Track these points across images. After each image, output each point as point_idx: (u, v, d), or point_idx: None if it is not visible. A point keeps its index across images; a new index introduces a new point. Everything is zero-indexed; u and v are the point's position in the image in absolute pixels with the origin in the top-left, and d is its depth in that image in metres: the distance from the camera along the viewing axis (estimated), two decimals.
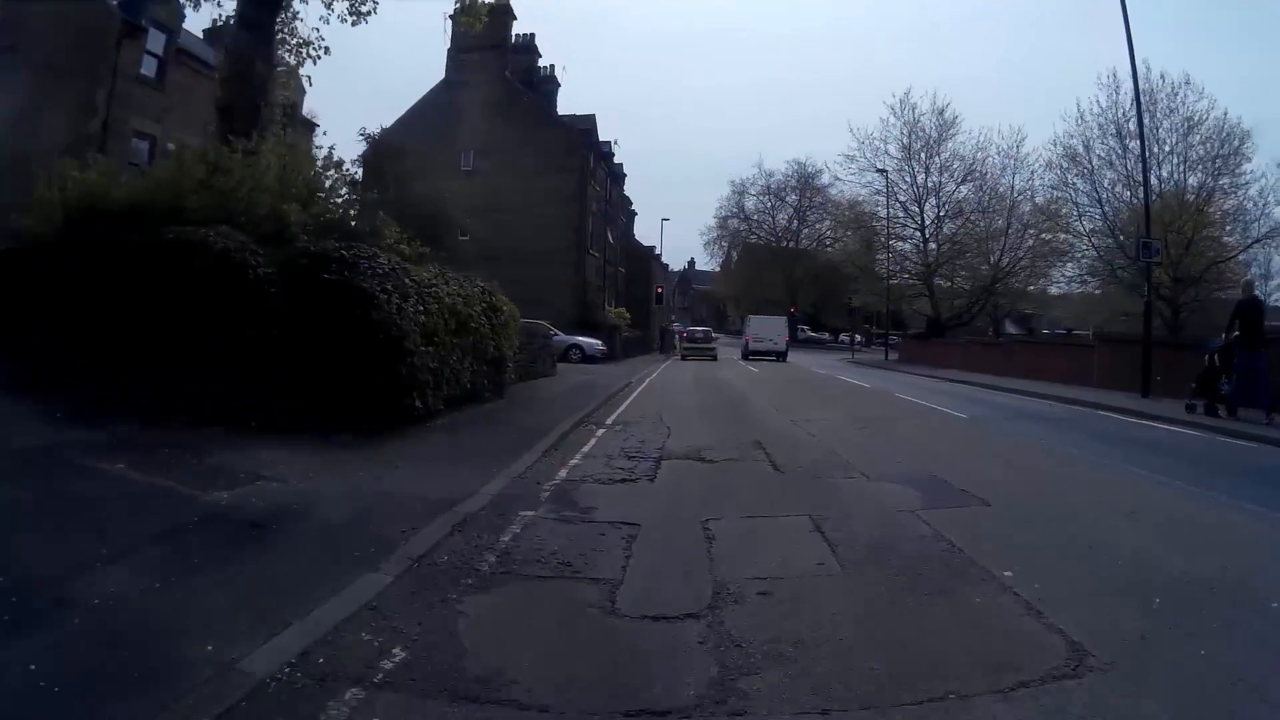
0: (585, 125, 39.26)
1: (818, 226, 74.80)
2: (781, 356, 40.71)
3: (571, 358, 31.24)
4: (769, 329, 41.66)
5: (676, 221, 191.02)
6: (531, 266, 35.70)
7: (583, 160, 37.74)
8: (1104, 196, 36.12)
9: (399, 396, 9.47)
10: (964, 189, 44.68)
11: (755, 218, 76.96)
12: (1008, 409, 16.44)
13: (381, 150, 20.01)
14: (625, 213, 52.99)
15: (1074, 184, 37.28)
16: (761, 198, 75.94)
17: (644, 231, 58.06)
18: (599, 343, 32.53)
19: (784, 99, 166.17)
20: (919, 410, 15.37)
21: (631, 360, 36.62)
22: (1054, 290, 46.77)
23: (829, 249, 73.94)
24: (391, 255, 10.93)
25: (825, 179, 70.91)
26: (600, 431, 11.05)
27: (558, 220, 36.18)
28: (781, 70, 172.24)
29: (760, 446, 9.74)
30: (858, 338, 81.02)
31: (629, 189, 55.29)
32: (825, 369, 33.84)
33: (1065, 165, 37.09)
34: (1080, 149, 36.34)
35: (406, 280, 10.09)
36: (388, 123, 34.18)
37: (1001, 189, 43.46)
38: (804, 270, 70.83)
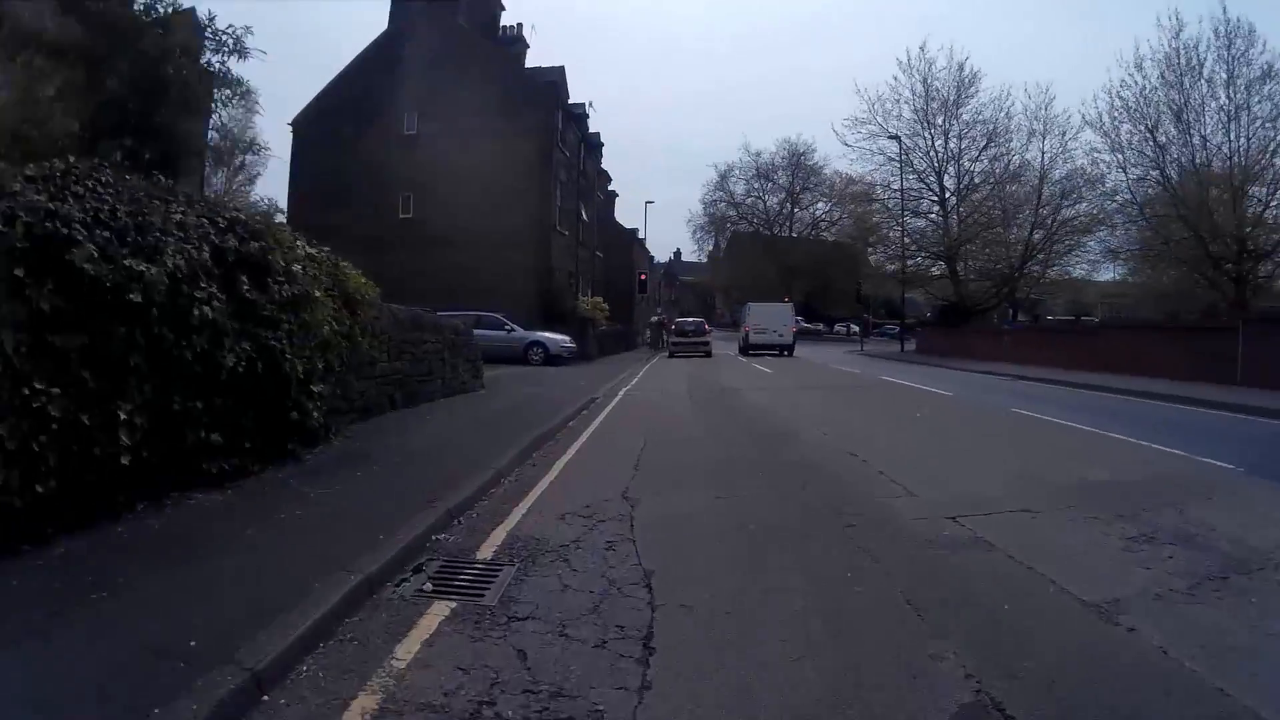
0: (551, 77, 31.48)
1: (811, 209, 67.39)
2: (788, 350, 33.27)
3: (532, 359, 23.88)
4: (772, 318, 33.98)
5: (661, 216, 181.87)
6: (486, 249, 28.18)
7: (547, 117, 29.86)
8: (1165, 158, 28.69)
9: None
10: (988, 154, 36.94)
11: (745, 202, 69.13)
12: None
13: None
14: (603, 190, 44.56)
15: (1127, 143, 29.72)
16: (751, 181, 68.16)
17: (625, 220, 50.36)
18: (567, 339, 24.99)
19: (768, 96, 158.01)
20: (1159, 460, 7.77)
21: (609, 360, 29.15)
22: (1077, 273, 39.37)
23: (824, 233, 66.87)
24: None
25: (819, 156, 63.97)
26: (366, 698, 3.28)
27: (517, 192, 28.38)
28: (765, 68, 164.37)
29: None
30: (853, 328, 73.58)
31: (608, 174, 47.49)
32: (848, 365, 26.63)
33: (1114, 122, 29.49)
34: (1138, 102, 28.82)
35: None
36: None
37: (1030, 154, 35.62)
38: (799, 257, 63.22)
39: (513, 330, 24.39)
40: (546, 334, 24.66)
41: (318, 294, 6.41)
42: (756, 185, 68.06)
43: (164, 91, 9.61)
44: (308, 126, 32.09)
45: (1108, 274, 40.31)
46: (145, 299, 4.53)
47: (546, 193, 29.30)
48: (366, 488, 5.51)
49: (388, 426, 8.41)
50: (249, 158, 42.91)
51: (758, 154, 66.79)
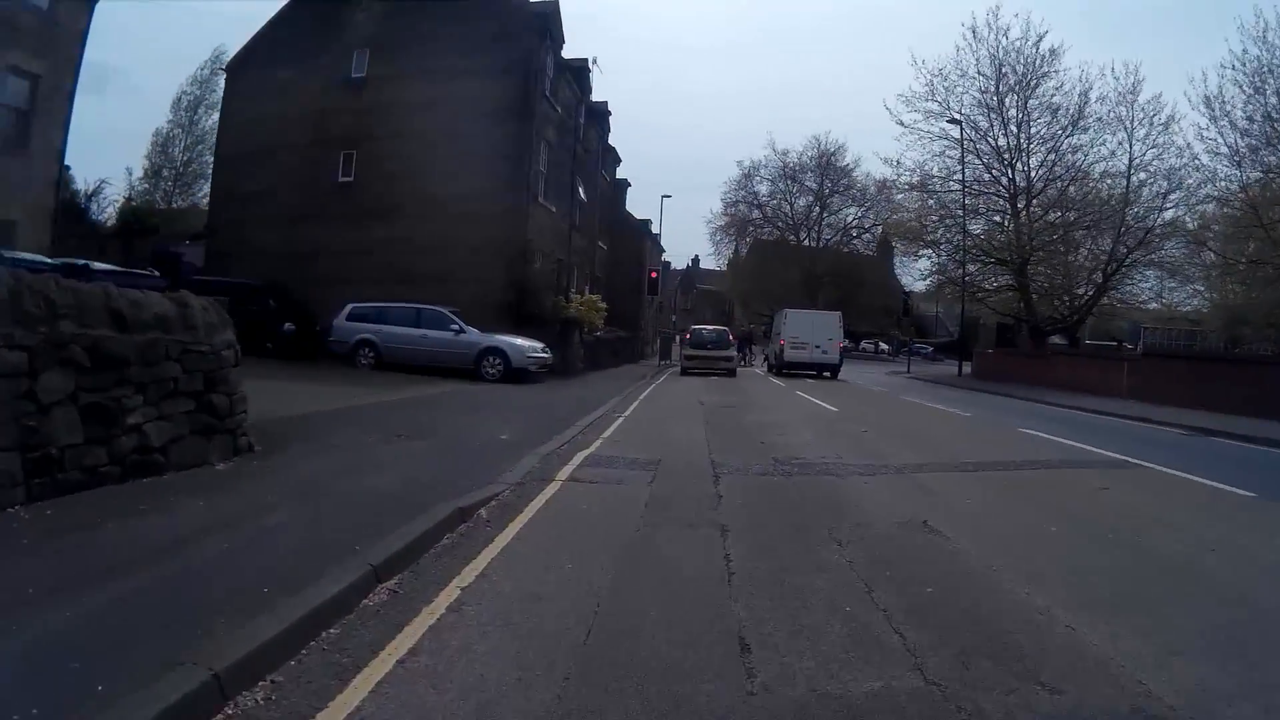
0: (541, 10, 23.50)
1: (841, 214, 58.92)
2: (833, 371, 25.34)
3: (486, 373, 16.21)
4: (814, 330, 25.85)
5: (676, 222, 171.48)
6: (445, 222, 20.48)
7: (528, 54, 21.90)
8: None
9: None
10: (1068, 144, 28.60)
11: (769, 204, 60.44)
12: None
13: None
14: (609, 170, 36.36)
15: (1244, 130, 21.74)
16: (776, 182, 59.21)
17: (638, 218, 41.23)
18: (539, 347, 17.17)
19: (792, 100, 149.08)
20: None
21: (600, 375, 21.28)
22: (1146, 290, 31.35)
23: (855, 241, 58.67)
24: None
25: (850, 158, 55.98)
26: None
27: (488, 148, 20.66)
28: (790, 70, 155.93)
29: None
30: (882, 346, 65.47)
31: (622, 172, 39.58)
32: (923, 396, 18.92)
33: (1222, 108, 21.78)
34: (1257, 81, 21.03)
35: None
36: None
37: (1116, 147, 27.43)
38: (825, 266, 55.06)
39: (462, 331, 16.66)
40: (510, 338, 16.87)
41: None
42: (782, 186, 59.55)
43: None
44: (243, 72, 24.75)
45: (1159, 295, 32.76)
46: None
47: (526, 150, 21.42)
48: None
49: None
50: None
51: (785, 152, 58.18)
